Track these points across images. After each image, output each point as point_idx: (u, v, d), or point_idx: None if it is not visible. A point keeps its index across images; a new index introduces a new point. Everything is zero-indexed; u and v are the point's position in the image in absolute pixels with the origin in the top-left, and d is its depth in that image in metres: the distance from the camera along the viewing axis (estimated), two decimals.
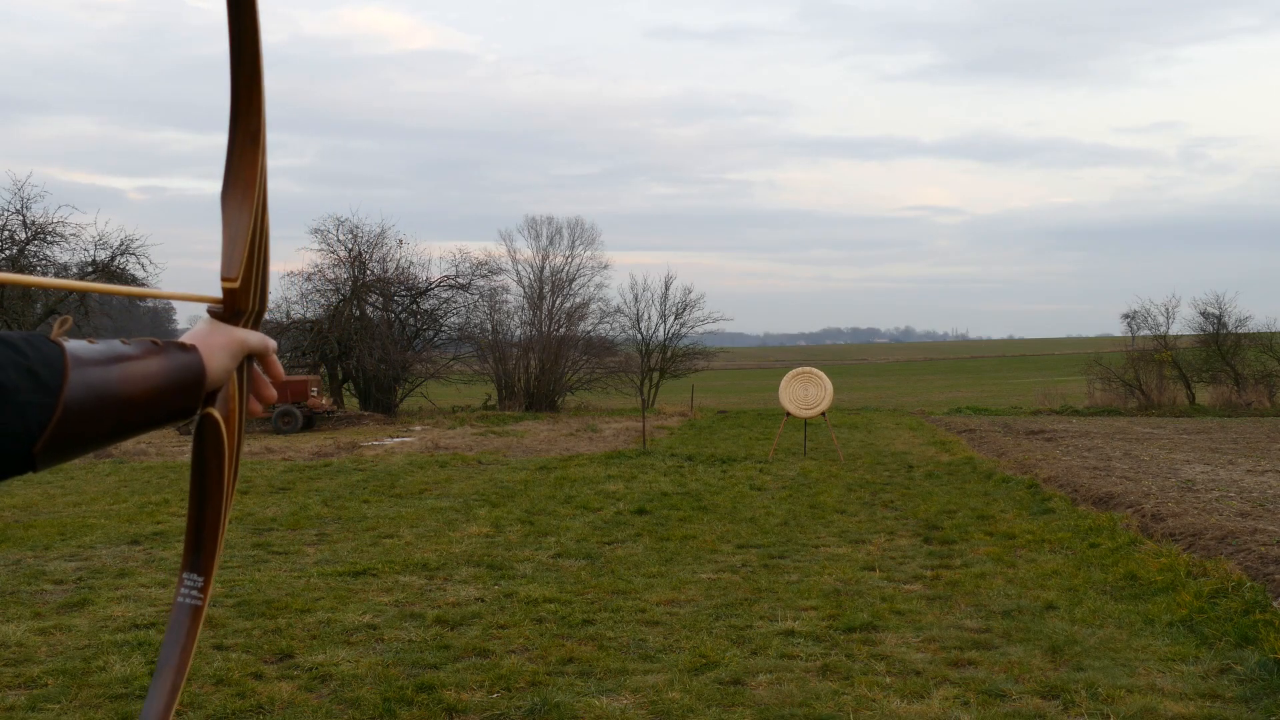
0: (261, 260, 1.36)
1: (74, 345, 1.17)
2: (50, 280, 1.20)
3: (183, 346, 1.28)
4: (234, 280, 1.32)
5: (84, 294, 30.15)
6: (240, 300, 1.34)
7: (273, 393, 1.43)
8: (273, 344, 1.40)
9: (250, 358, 1.38)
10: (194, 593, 1.33)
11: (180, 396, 1.26)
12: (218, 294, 1.34)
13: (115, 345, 1.21)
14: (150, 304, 32.90)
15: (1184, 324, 36.36)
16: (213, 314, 1.34)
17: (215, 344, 1.30)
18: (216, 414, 1.32)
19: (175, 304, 45.31)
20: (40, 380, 1.11)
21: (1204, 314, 35.40)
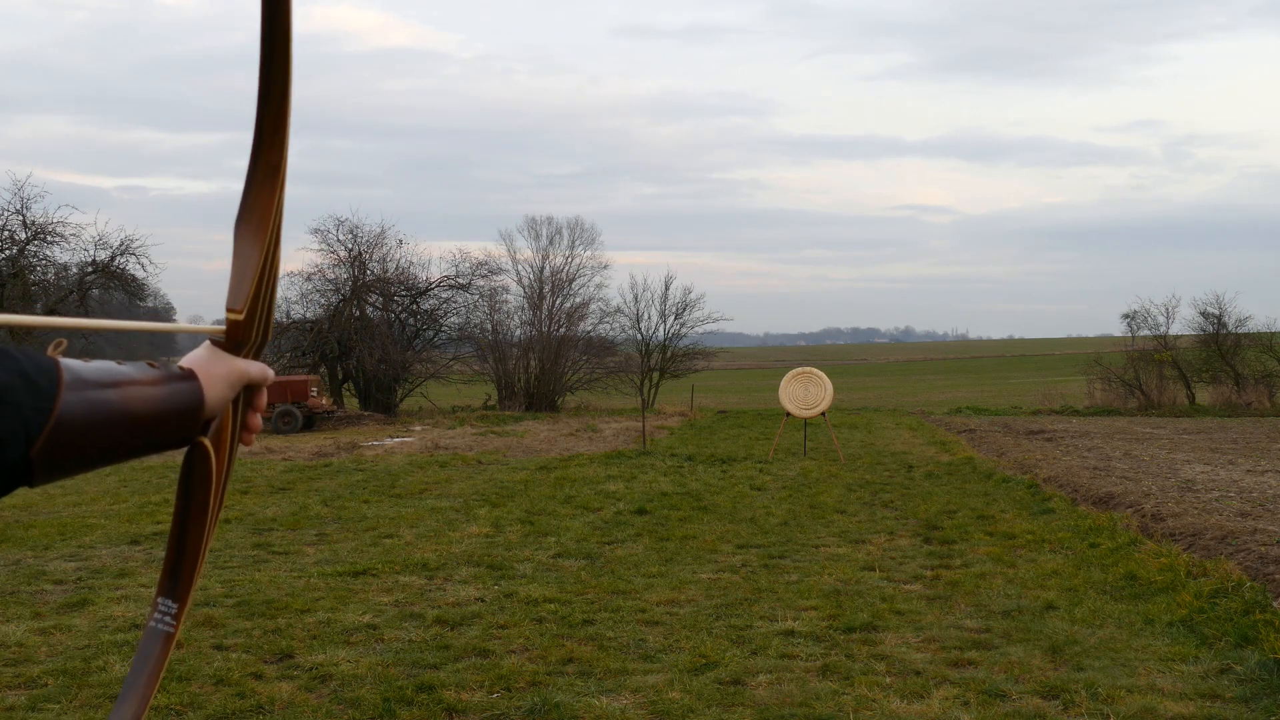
0: (269, 294, 1.35)
1: (70, 362, 1.16)
2: (57, 320, 1.19)
3: (183, 373, 1.27)
4: (239, 312, 1.32)
5: (83, 298, 30.18)
6: (244, 333, 1.33)
7: (259, 422, 1.42)
8: (271, 375, 1.39)
9: (247, 387, 1.38)
10: (167, 619, 1.32)
11: (178, 423, 1.25)
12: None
13: (113, 366, 1.20)
14: (150, 304, 32.93)
15: (1184, 324, 36.39)
16: (215, 342, 1.33)
17: (216, 373, 1.30)
18: (208, 443, 1.31)
19: (175, 306, 45.30)
20: (34, 383, 1.10)
21: (1204, 314, 35.40)
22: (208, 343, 1.34)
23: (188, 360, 1.31)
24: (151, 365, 1.25)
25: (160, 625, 1.31)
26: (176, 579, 1.34)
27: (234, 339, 1.33)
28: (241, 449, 1.42)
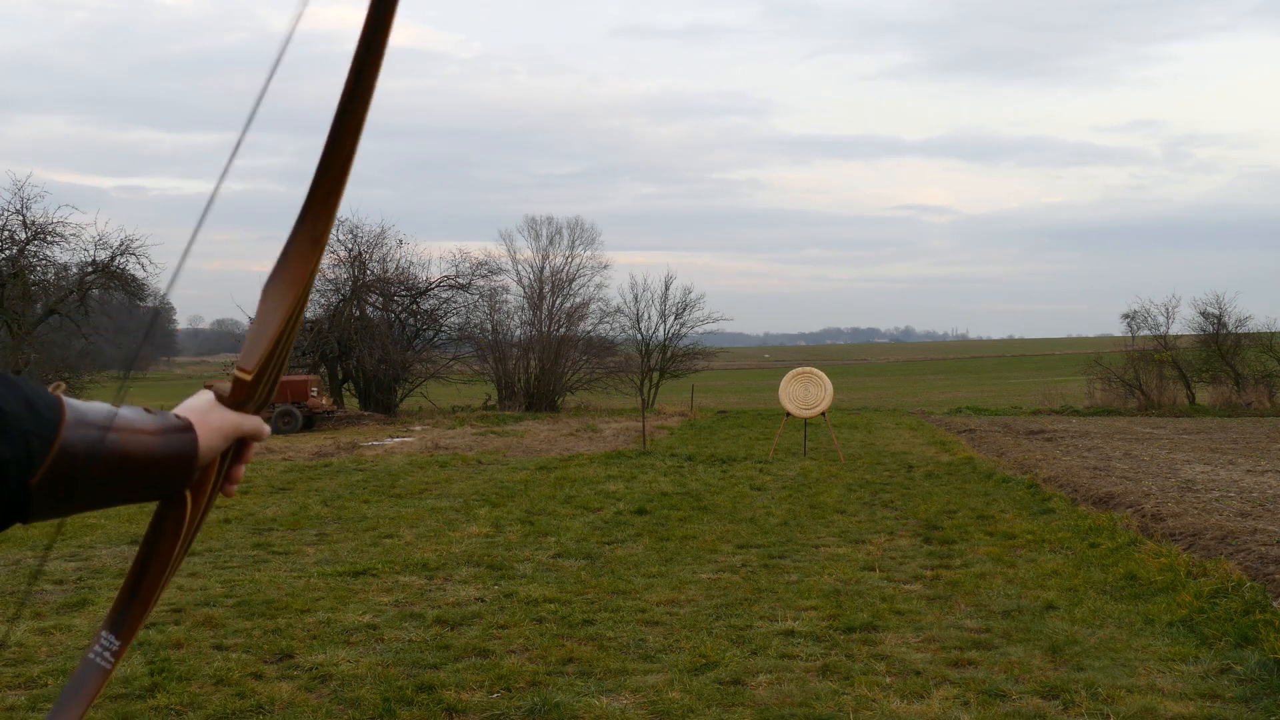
0: (281, 359, 1.33)
1: (72, 400, 1.16)
2: None
3: (180, 424, 1.26)
4: (249, 373, 1.30)
5: (83, 298, 30.17)
6: (248, 393, 1.32)
7: (242, 473, 1.40)
8: (266, 430, 1.36)
9: (239, 440, 1.36)
10: (106, 654, 1.29)
11: (171, 473, 1.25)
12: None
13: (112, 409, 1.20)
14: (150, 302, 32.88)
15: (1184, 324, 36.37)
16: (218, 395, 1.32)
17: (212, 425, 1.29)
18: (188, 493, 1.30)
19: (174, 303, 45.30)
20: (38, 413, 1.11)
21: (1204, 314, 35.38)
22: (210, 394, 1.32)
23: (185, 409, 1.30)
24: (148, 411, 1.24)
25: (98, 659, 1.29)
26: (125, 616, 1.31)
27: (237, 398, 1.32)
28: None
